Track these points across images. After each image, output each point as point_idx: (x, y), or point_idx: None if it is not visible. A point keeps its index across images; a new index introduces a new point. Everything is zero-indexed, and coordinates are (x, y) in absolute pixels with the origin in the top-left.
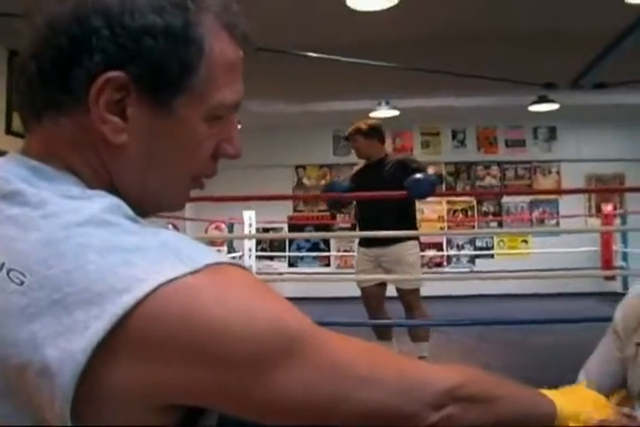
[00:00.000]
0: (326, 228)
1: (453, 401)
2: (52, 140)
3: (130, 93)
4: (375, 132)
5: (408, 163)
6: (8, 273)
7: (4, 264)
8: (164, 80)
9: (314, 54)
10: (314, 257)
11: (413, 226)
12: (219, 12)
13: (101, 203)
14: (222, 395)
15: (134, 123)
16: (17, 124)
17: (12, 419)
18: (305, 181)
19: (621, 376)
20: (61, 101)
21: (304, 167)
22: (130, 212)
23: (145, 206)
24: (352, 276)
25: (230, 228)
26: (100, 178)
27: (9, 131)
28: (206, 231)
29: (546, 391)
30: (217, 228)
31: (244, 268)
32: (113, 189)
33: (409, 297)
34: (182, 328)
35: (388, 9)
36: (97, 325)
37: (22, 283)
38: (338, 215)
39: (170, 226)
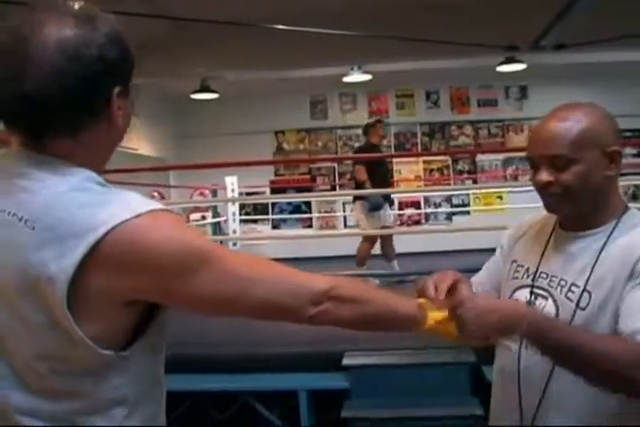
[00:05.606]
0: (307, 190)
1: (328, 299)
2: (72, 147)
3: (121, 97)
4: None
5: None
6: (25, 222)
7: (22, 217)
8: (128, 83)
9: (282, 27)
10: (296, 219)
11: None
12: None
13: (81, 176)
14: (160, 293)
15: (123, 110)
16: None
17: (31, 312)
18: (284, 145)
19: (497, 286)
20: (84, 120)
21: (283, 132)
22: (100, 179)
23: (103, 166)
24: (333, 232)
25: (214, 194)
26: (84, 162)
27: None
28: (191, 198)
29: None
30: (201, 194)
31: (174, 213)
32: (89, 166)
33: None
34: (131, 250)
35: None
36: (79, 249)
37: (34, 228)
38: (318, 178)
39: (155, 193)
